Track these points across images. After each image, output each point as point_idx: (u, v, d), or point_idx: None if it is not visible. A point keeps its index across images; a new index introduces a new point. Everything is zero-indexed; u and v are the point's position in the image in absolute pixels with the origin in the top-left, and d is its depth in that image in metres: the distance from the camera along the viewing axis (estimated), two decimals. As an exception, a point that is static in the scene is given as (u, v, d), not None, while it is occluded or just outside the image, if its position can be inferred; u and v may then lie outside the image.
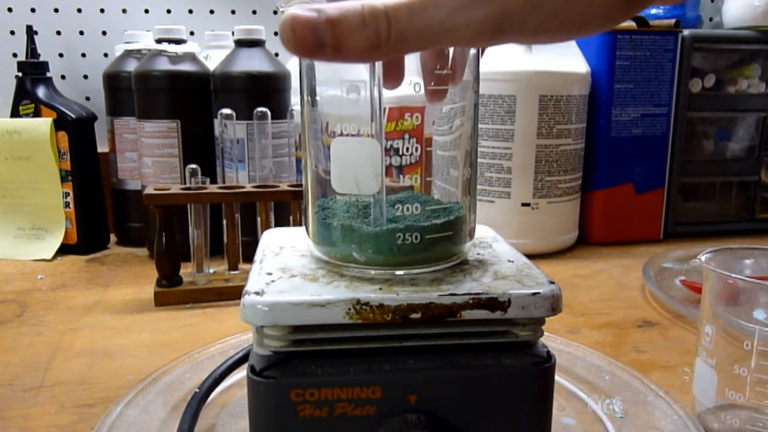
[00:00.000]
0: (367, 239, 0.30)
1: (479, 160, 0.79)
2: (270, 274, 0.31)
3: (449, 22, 0.22)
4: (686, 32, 0.84)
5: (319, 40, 0.22)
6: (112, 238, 0.87)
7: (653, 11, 0.98)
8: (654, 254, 0.76)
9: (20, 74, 0.81)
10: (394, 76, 0.31)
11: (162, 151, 0.76)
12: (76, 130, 0.80)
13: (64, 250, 0.80)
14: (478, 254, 0.34)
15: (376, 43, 0.22)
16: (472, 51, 0.31)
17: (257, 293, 0.28)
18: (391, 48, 0.23)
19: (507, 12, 0.22)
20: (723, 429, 0.38)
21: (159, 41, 0.76)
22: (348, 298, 0.28)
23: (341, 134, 0.29)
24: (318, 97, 0.31)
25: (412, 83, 0.31)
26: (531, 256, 0.35)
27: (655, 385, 0.42)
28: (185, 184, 0.67)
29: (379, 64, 0.29)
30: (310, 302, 0.27)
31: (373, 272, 0.30)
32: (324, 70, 0.31)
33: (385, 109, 0.30)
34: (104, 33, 0.93)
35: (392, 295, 0.28)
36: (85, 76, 0.94)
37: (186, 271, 0.66)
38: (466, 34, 0.22)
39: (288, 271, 0.31)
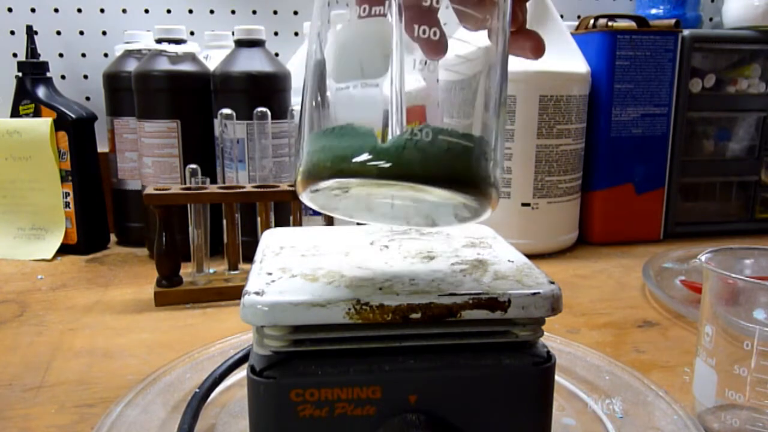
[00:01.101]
0: (369, 134, 0.24)
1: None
2: (270, 274, 0.31)
3: None
4: (686, 32, 0.84)
5: None
6: (112, 238, 0.87)
7: (653, 11, 0.98)
8: (654, 254, 0.76)
9: (20, 74, 0.81)
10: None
11: (162, 151, 0.76)
12: (76, 130, 0.80)
13: (64, 250, 0.80)
14: (478, 254, 0.34)
15: None
16: None
17: (257, 293, 0.28)
18: None
19: None
20: (723, 429, 0.38)
21: (159, 41, 0.76)
22: (348, 298, 0.28)
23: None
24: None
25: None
26: (531, 256, 0.35)
27: (655, 385, 0.42)
28: (185, 184, 0.67)
29: None
30: (310, 302, 0.27)
31: (374, 182, 0.24)
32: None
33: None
34: (104, 33, 0.93)
35: (392, 295, 0.28)
36: (85, 76, 0.94)
37: (186, 271, 0.66)
38: None
39: (288, 271, 0.31)
